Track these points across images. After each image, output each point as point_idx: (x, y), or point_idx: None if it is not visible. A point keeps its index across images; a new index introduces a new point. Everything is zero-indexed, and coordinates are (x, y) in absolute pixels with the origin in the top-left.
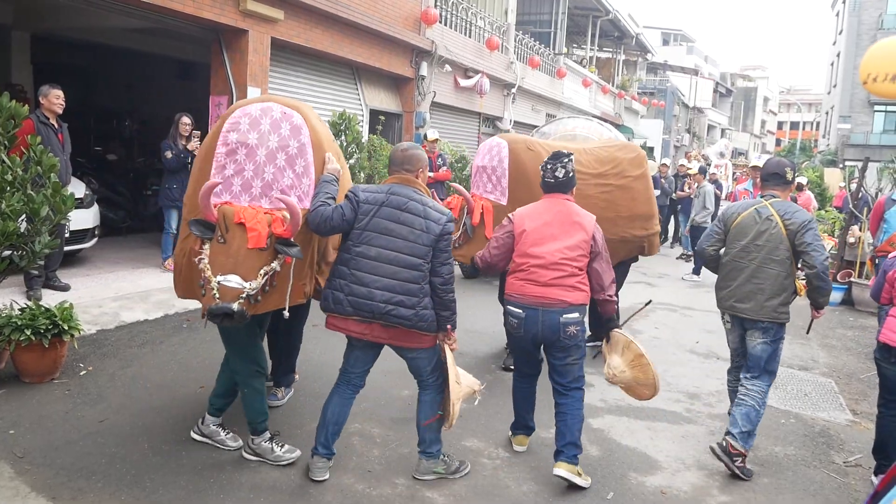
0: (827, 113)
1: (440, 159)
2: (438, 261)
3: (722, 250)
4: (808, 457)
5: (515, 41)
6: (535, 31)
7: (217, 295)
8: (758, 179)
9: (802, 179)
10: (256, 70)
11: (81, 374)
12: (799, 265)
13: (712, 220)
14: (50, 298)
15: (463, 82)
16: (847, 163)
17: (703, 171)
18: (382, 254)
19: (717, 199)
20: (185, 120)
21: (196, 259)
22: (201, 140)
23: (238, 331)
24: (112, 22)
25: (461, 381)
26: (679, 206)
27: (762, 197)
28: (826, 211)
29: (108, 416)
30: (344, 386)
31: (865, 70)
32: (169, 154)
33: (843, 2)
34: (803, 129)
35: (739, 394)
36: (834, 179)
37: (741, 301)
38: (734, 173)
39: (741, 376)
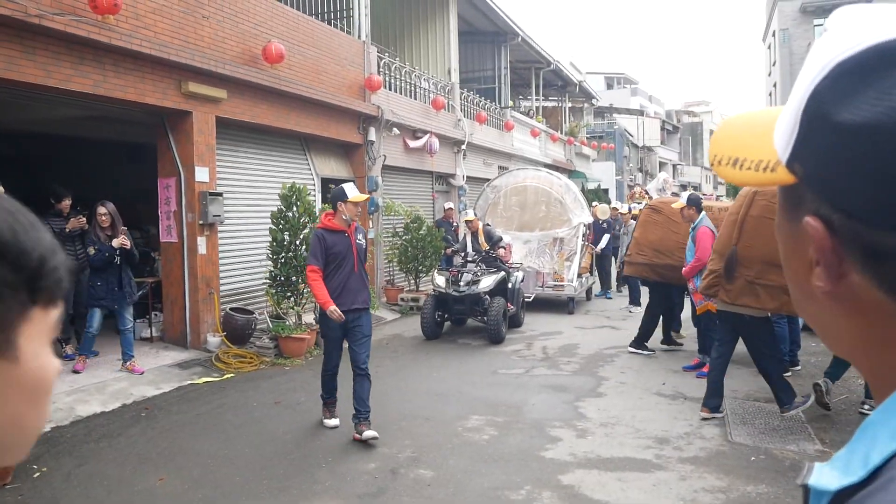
0: None
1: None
2: None
3: None
4: (780, 494)
5: (461, 99)
6: (479, 87)
7: None
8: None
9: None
10: (203, 150)
11: (35, 476)
12: None
13: None
14: None
15: (412, 143)
16: None
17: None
18: None
19: None
20: (101, 210)
21: None
22: (130, 235)
23: None
24: (59, 113)
25: None
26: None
27: None
28: None
29: None
30: None
31: (713, 152)
32: (92, 250)
33: (773, 35)
34: None
35: None
36: None
37: None
38: None
39: None
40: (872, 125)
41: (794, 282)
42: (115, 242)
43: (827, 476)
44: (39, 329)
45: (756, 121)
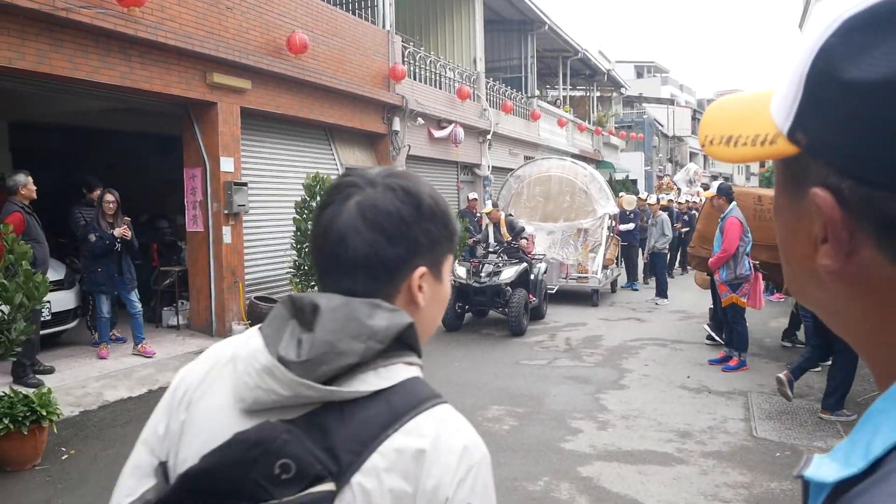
0: None
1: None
2: None
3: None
4: None
5: (487, 88)
6: (505, 76)
7: None
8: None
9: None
10: (228, 140)
11: (63, 458)
12: None
13: (670, 246)
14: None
15: (437, 133)
16: None
17: (659, 201)
18: None
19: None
20: (108, 198)
21: None
22: (133, 226)
23: None
24: (87, 105)
25: None
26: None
27: None
28: None
29: (90, 500)
30: None
31: (703, 133)
32: (93, 237)
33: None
34: None
35: None
36: None
37: None
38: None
39: None
40: (887, 81)
41: (794, 265)
42: (117, 232)
43: (826, 467)
44: (448, 266)
45: (748, 99)
